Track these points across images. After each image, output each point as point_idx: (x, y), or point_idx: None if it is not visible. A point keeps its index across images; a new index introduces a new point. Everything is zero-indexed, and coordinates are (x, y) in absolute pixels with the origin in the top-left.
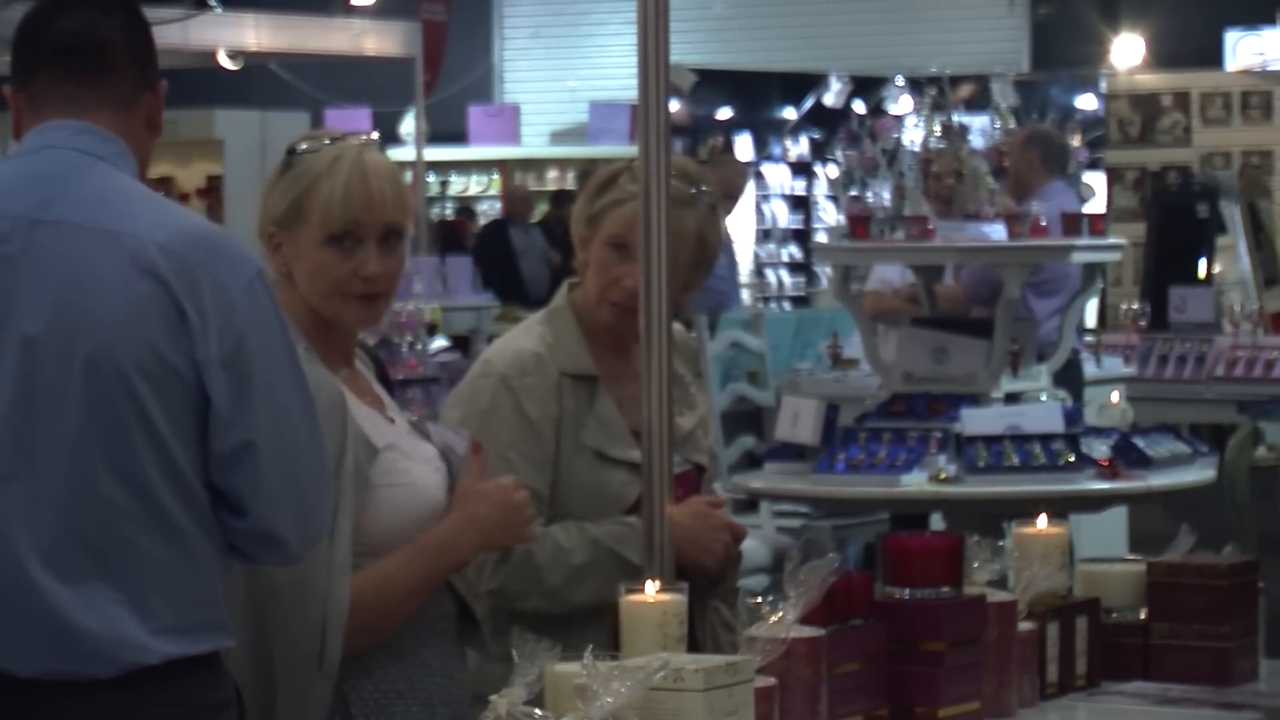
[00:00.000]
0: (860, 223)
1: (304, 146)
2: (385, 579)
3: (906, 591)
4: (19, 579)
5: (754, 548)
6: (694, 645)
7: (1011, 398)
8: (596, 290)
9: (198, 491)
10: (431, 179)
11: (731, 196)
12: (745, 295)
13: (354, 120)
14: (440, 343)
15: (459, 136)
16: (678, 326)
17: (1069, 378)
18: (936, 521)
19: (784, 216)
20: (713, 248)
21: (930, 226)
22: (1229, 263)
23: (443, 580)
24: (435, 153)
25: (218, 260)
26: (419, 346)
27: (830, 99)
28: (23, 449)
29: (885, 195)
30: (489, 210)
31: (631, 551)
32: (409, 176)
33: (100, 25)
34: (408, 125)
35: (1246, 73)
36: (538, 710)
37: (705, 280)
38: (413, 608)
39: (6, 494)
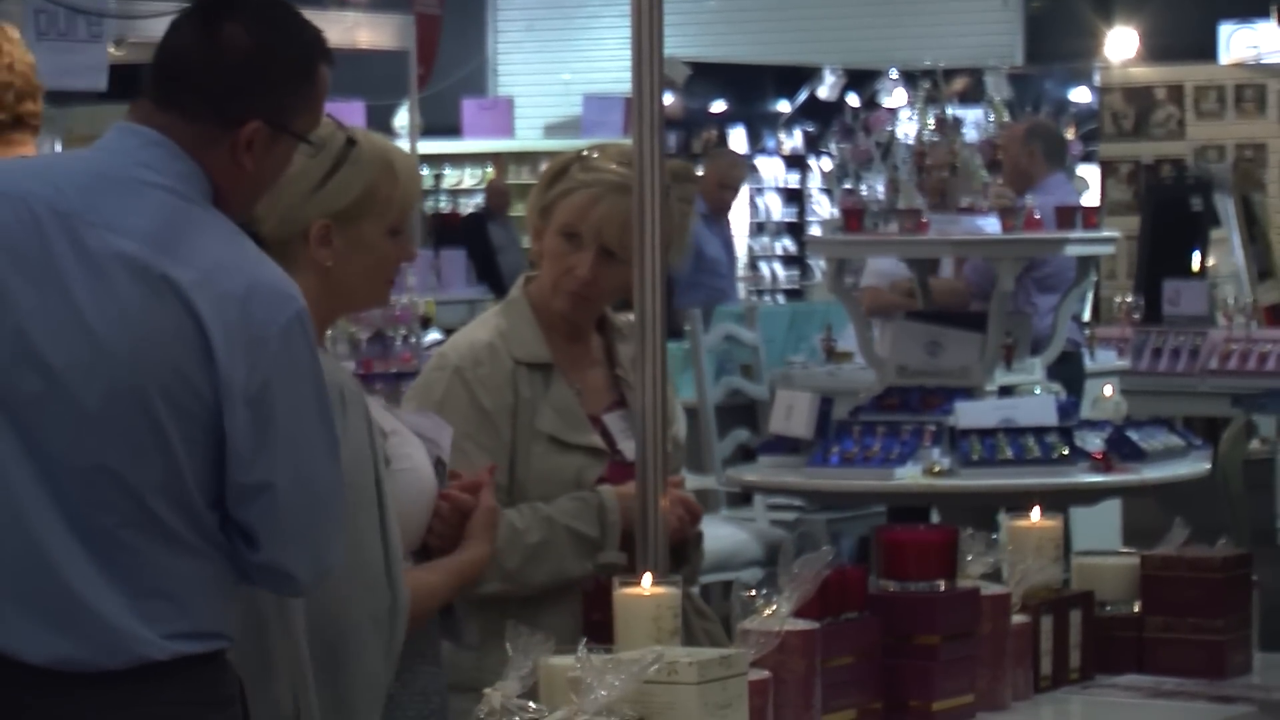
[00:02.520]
0: (854, 216)
1: (353, 135)
2: (428, 593)
3: (900, 585)
4: (38, 562)
5: (747, 541)
6: None
7: (1005, 391)
8: (551, 280)
9: (203, 512)
10: (425, 172)
11: (730, 188)
12: (740, 289)
13: (348, 113)
14: (434, 336)
15: (453, 130)
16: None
17: (1069, 372)
18: (936, 515)
19: (778, 210)
20: (672, 241)
21: (924, 220)
22: (1223, 256)
23: None
24: (429, 146)
25: (256, 297)
26: (413, 340)
27: (824, 92)
28: (41, 445)
29: (879, 188)
30: (481, 203)
31: (586, 526)
32: None
33: (188, 39)
34: (401, 118)
35: (1240, 66)
36: (531, 703)
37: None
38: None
39: (27, 484)
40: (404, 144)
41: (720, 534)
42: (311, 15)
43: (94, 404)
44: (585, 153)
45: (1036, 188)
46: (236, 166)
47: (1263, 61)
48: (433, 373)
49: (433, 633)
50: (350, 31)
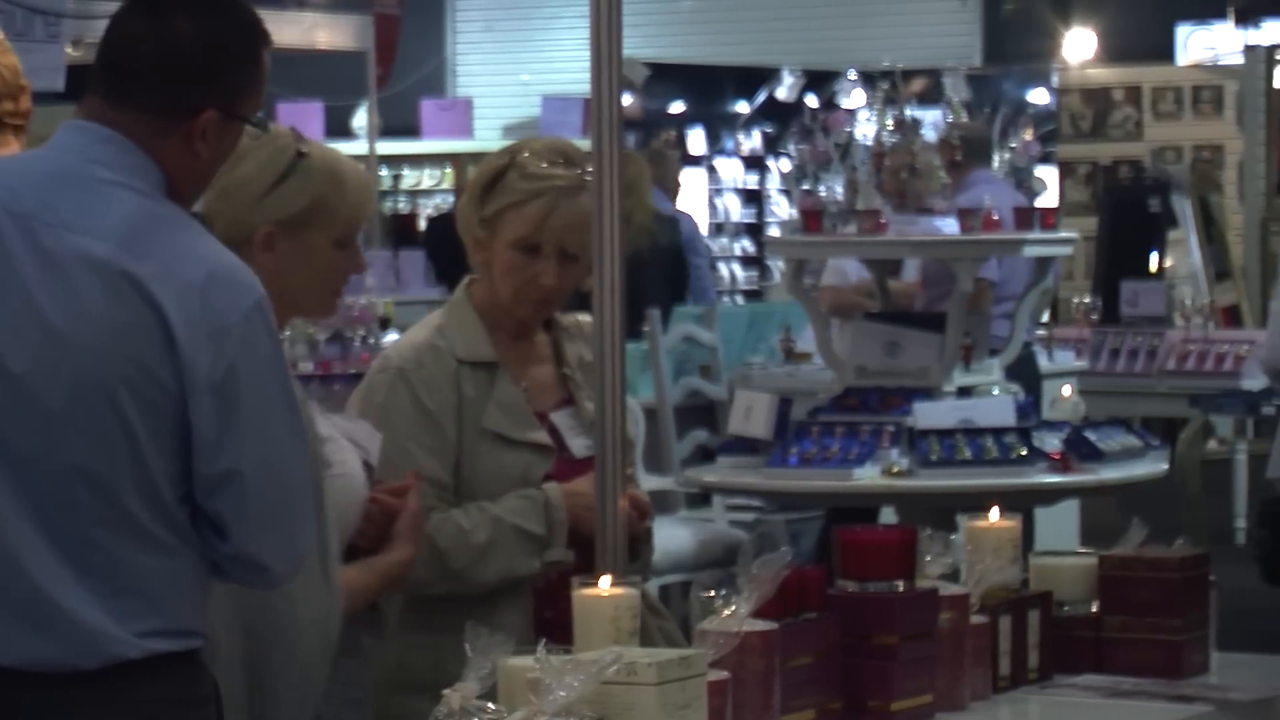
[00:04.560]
0: (813, 216)
1: (305, 148)
2: (358, 593)
3: (859, 585)
4: (9, 564)
5: (706, 541)
6: None
7: (964, 391)
8: (512, 292)
9: (173, 507)
10: (384, 173)
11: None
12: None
13: (307, 114)
14: (393, 337)
15: (412, 130)
16: (585, 315)
17: (1024, 371)
18: (885, 517)
19: (736, 210)
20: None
21: (883, 220)
22: (1180, 257)
23: None
24: (388, 146)
25: (216, 286)
26: (371, 340)
27: (783, 93)
28: (9, 448)
29: (838, 189)
30: (441, 204)
31: (533, 524)
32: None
33: (137, 33)
34: (360, 119)
35: (1198, 67)
36: (490, 704)
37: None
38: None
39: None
40: (362, 144)
41: (679, 535)
42: (270, 15)
43: (59, 403)
44: (516, 157)
45: (959, 185)
46: (191, 156)
47: (1220, 63)
48: (376, 375)
49: (354, 628)
50: (309, 32)
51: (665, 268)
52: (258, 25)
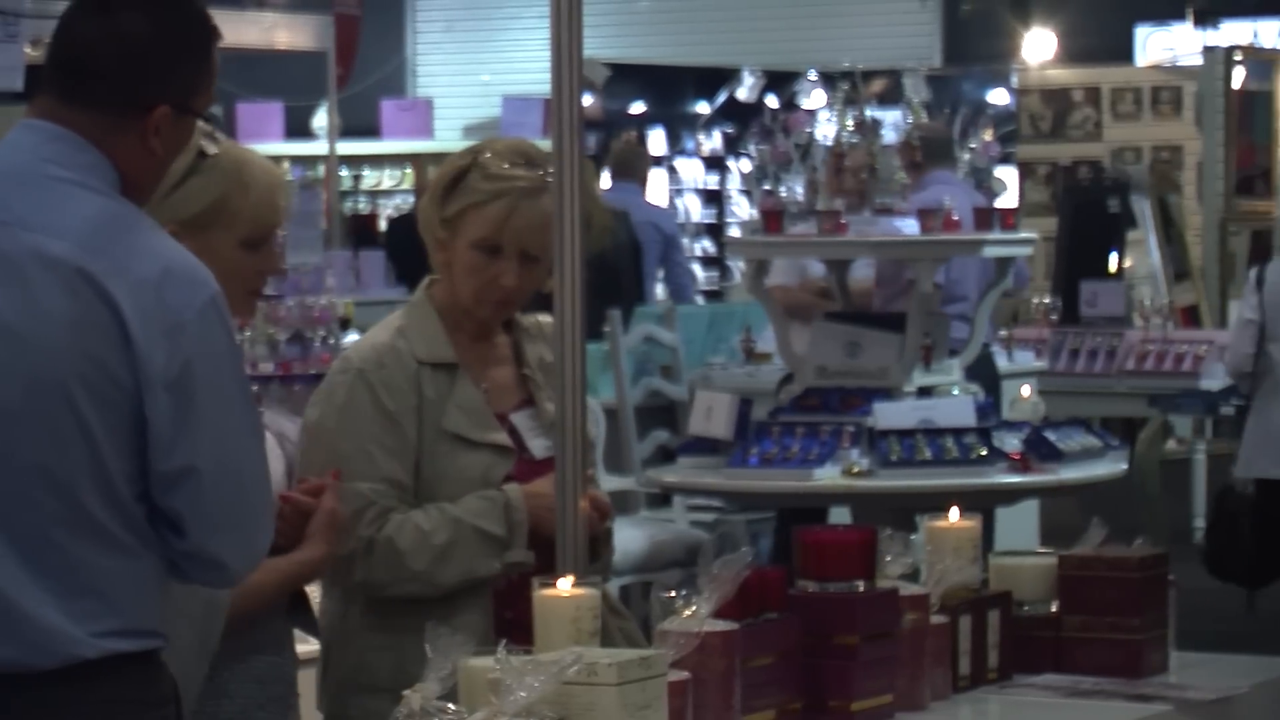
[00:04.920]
0: (773, 217)
1: (212, 148)
2: (253, 592)
3: (820, 585)
4: None
5: (666, 542)
6: None
7: (924, 391)
8: (473, 292)
9: (131, 505)
10: (344, 173)
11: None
12: (659, 289)
13: (266, 114)
14: (353, 337)
15: (372, 130)
16: (545, 316)
17: (983, 372)
18: (834, 517)
19: (697, 211)
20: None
21: (843, 221)
22: (1139, 257)
23: None
24: (348, 147)
25: (170, 282)
26: (332, 341)
27: (743, 93)
28: None
29: (798, 189)
30: (401, 204)
31: (493, 525)
32: (321, 170)
33: (89, 31)
34: (320, 119)
35: (1157, 68)
36: (451, 705)
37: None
38: (265, 613)
39: None
40: (322, 145)
41: (640, 535)
42: (229, 15)
43: (15, 402)
44: (478, 158)
45: (919, 186)
46: (145, 153)
47: (1179, 64)
48: (335, 376)
49: (275, 623)
50: (269, 32)
51: (626, 267)
52: (207, 20)
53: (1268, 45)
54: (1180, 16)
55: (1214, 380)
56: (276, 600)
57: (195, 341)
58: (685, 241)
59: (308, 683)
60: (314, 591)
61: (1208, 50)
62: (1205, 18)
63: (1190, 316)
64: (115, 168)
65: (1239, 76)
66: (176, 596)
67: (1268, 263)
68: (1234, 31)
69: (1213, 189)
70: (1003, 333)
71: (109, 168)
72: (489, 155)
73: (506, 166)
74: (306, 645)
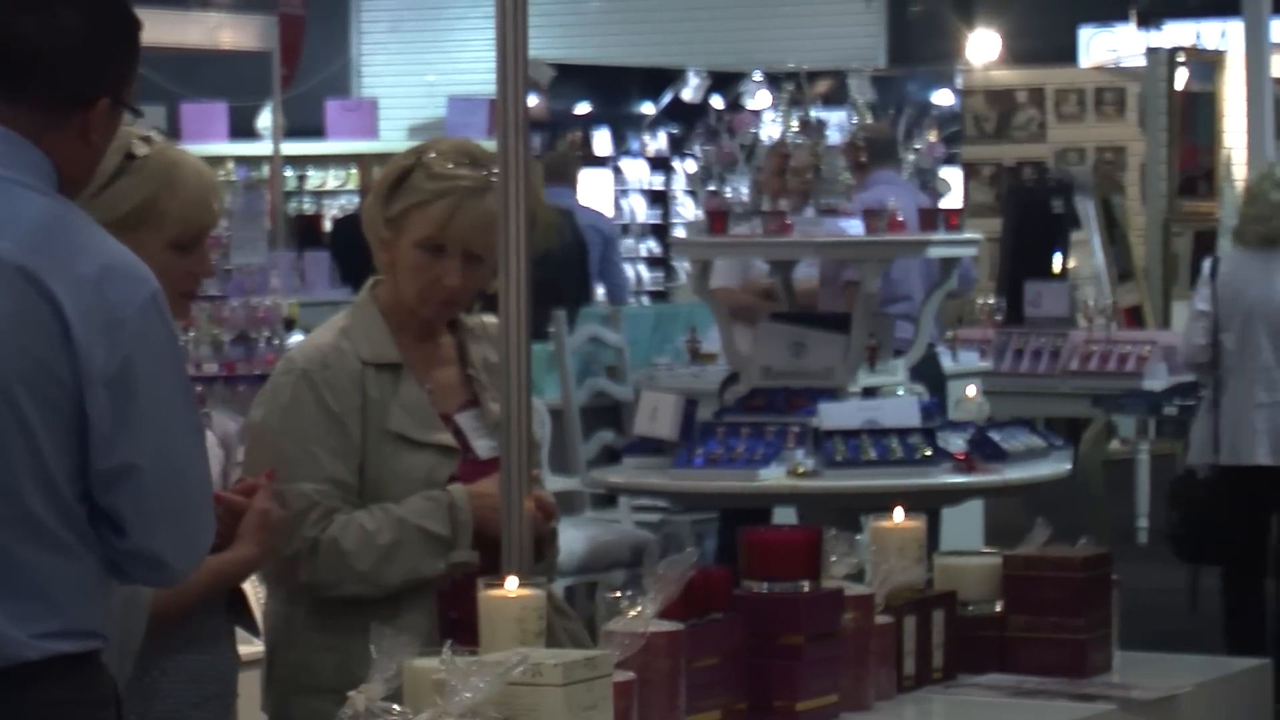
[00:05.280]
0: (718, 217)
1: (142, 149)
2: (178, 591)
3: (765, 585)
4: None
5: (612, 542)
6: None
7: (869, 392)
8: (416, 292)
9: (72, 504)
10: (289, 173)
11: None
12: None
13: (211, 115)
14: (298, 338)
15: (316, 131)
16: (490, 317)
17: (928, 372)
18: (779, 518)
19: (642, 211)
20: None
21: (788, 221)
22: (1083, 257)
23: None
24: (292, 147)
25: (110, 279)
26: (276, 342)
27: (688, 94)
28: None
29: (743, 190)
30: (346, 205)
31: (437, 525)
32: (265, 170)
33: (29, 29)
34: (265, 119)
35: (1100, 69)
36: (396, 706)
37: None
38: (194, 611)
39: None
40: (267, 145)
41: (585, 535)
42: (174, 16)
43: None
44: (422, 158)
45: (863, 186)
46: (84, 146)
47: (1122, 65)
48: (279, 377)
49: (210, 622)
50: (213, 32)
51: (571, 267)
52: (133, 12)
53: (1210, 46)
54: (1124, 18)
55: (1157, 380)
56: (205, 599)
57: (135, 338)
58: (630, 242)
59: (252, 683)
60: (258, 591)
61: (1151, 51)
62: (1148, 19)
63: (1134, 317)
64: (53, 164)
65: (1182, 78)
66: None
67: (1220, 256)
68: (1177, 33)
69: (1156, 190)
70: (949, 333)
71: (48, 165)
72: (433, 155)
73: (451, 166)
74: (251, 646)
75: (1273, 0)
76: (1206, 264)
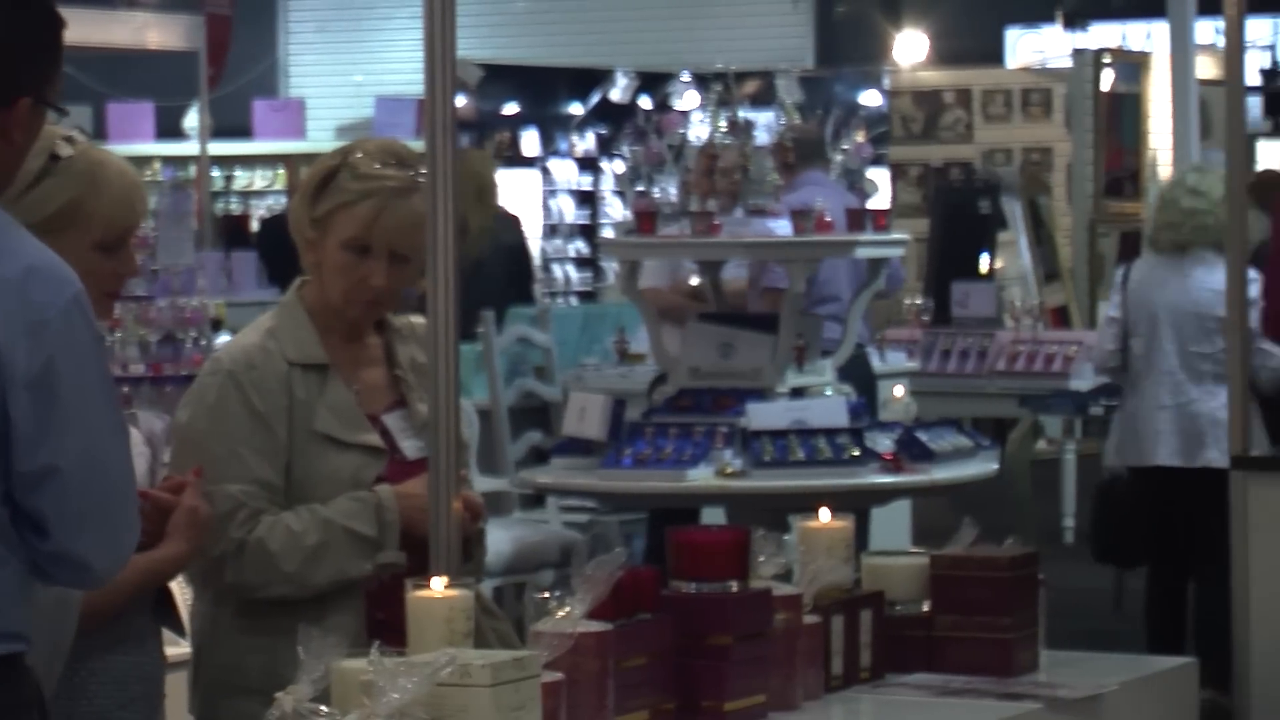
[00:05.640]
0: (646, 218)
1: (66, 150)
2: (108, 590)
3: (693, 586)
4: None
5: (540, 543)
6: None
7: (797, 392)
8: (342, 293)
9: None
10: (216, 173)
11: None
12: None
13: (137, 115)
14: (225, 338)
15: (244, 131)
16: (417, 317)
17: (858, 373)
18: (708, 518)
19: (570, 212)
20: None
21: (716, 222)
22: (1010, 258)
23: None
24: (219, 147)
25: (33, 281)
26: (204, 342)
27: (617, 94)
28: None
29: (672, 190)
30: (273, 205)
31: (364, 526)
32: (192, 171)
33: None
34: (191, 119)
35: (1027, 70)
36: (323, 707)
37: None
38: (124, 610)
39: None
40: (194, 145)
41: (513, 536)
42: (100, 15)
43: None
44: (348, 158)
45: (791, 187)
46: (8, 146)
47: (1048, 66)
48: (206, 377)
49: (138, 622)
50: (139, 32)
51: (507, 267)
52: (56, 10)
53: (1136, 48)
54: (1050, 19)
55: (1083, 380)
56: (135, 598)
57: (58, 339)
58: (558, 243)
59: (179, 685)
60: (185, 592)
61: (1077, 53)
62: (1074, 20)
63: (1060, 317)
64: None
65: (1107, 79)
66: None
67: (1134, 262)
68: (1102, 34)
69: (1082, 190)
70: (879, 334)
71: None
72: (359, 155)
73: (377, 166)
74: (178, 648)
75: (1197, 2)
76: (1119, 271)
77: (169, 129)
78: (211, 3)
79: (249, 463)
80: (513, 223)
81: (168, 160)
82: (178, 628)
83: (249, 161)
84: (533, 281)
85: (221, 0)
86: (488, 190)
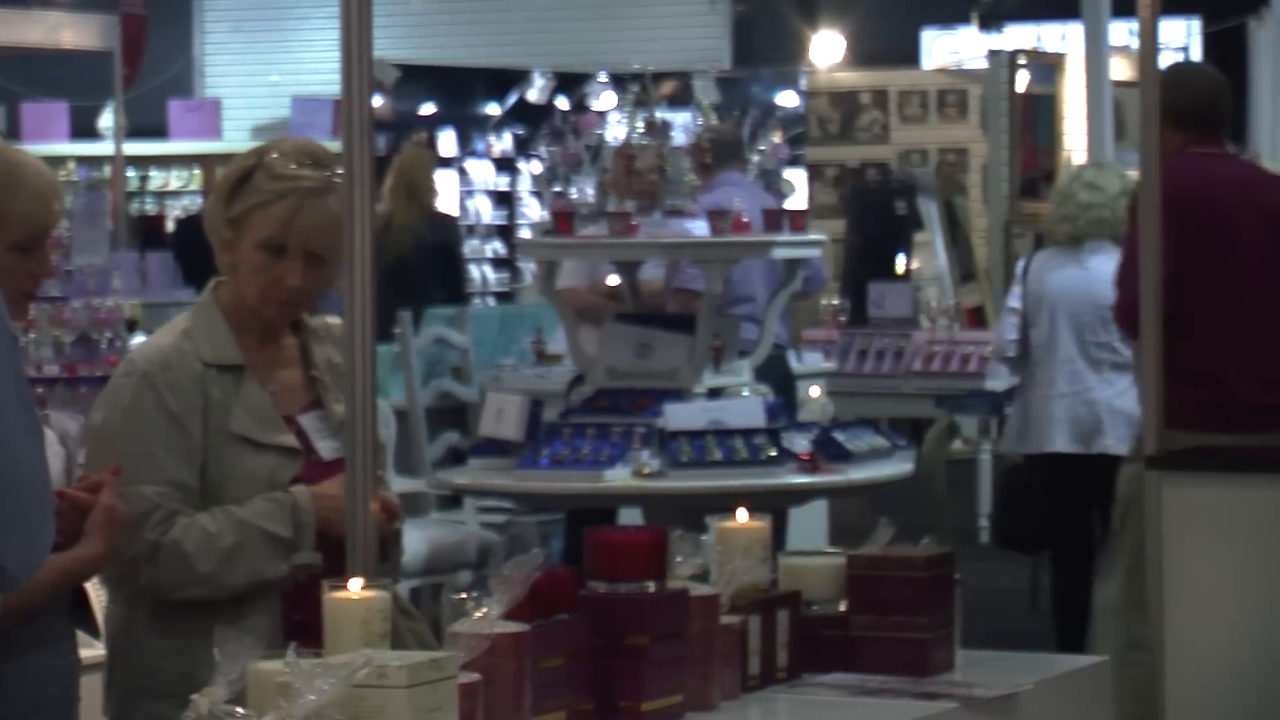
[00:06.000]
0: (564, 218)
1: None
2: (24, 590)
3: (610, 586)
4: None
5: (457, 544)
6: None
7: (714, 393)
8: (258, 293)
9: None
10: (131, 174)
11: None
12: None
13: (51, 115)
14: (140, 339)
15: (159, 131)
16: (333, 318)
17: (777, 373)
18: (625, 518)
19: (488, 212)
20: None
21: (633, 222)
22: (926, 258)
23: None
24: (135, 147)
25: None
26: (119, 343)
27: (534, 95)
28: None
29: (589, 191)
30: (189, 205)
31: (280, 527)
32: (107, 171)
33: None
34: (106, 119)
35: (943, 71)
36: (239, 709)
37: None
38: (41, 611)
39: None
40: (109, 145)
41: (430, 537)
42: (13, 14)
43: None
44: (264, 158)
45: (708, 187)
46: None
47: (964, 67)
48: (120, 378)
49: (53, 624)
50: (53, 31)
51: (432, 267)
52: None
53: (1051, 49)
54: (965, 20)
55: (999, 381)
56: (52, 598)
57: None
58: (475, 243)
59: (93, 687)
60: (100, 594)
61: (992, 54)
62: (990, 21)
63: (976, 317)
64: None
65: (1023, 80)
66: None
67: (1034, 254)
68: (1018, 35)
69: (997, 191)
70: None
71: None
72: (275, 156)
73: (293, 167)
74: (92, 650)
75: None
76: (1020, 263)
77: (84, 129)
78: (126, 2)
79: (164, 464)
80: (444, 222)
81: (82, 160)
82: (93, 630)
83: (164, 162)
84: (463, 282)
85: (136, 0)
86: (418, 189)
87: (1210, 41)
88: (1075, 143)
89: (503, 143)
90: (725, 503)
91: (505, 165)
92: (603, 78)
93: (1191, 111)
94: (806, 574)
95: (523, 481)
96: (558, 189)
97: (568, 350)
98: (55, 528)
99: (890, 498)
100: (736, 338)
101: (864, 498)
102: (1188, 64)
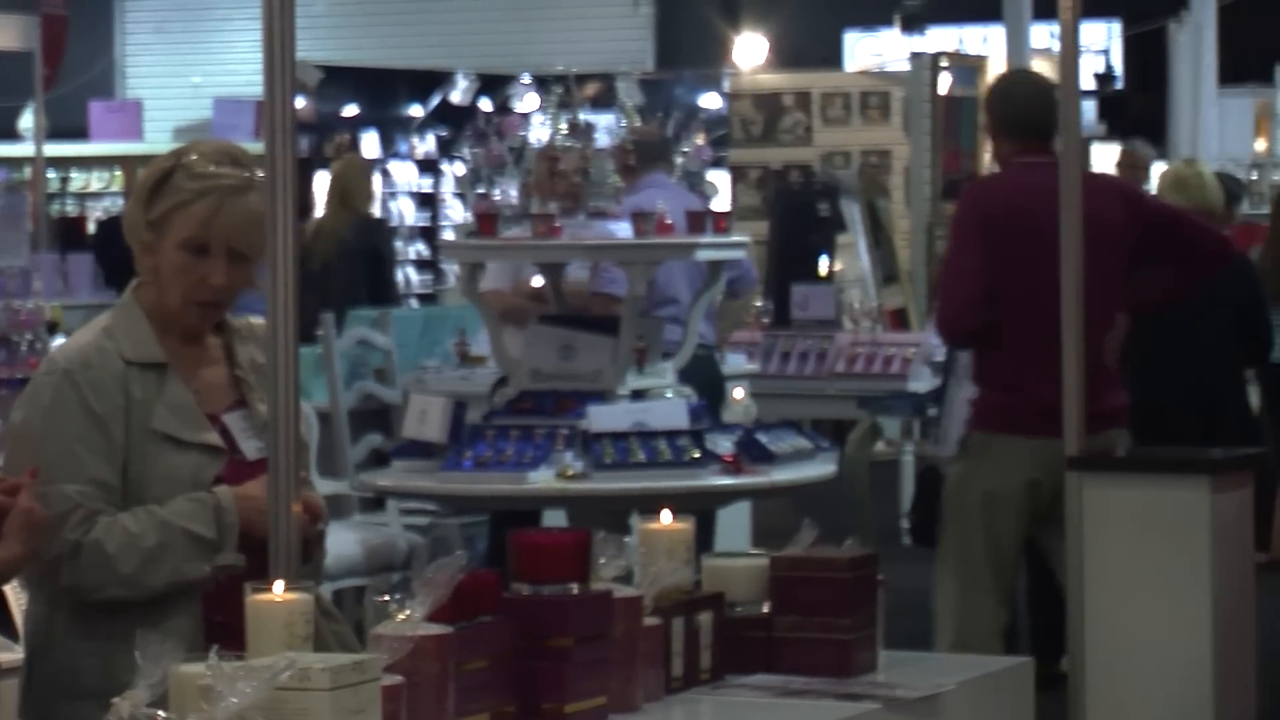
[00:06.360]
0: (487, 220)
1: None
2: None
3: (534, 588)
4: None
5: (380, 546)
6: None
7: (638, 394)
8: (181, 294)
9: None
10: (52, 175)
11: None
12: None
13: None
14: (61, 341)
15: (80, 132)
16: (257, 318)
17: (706, 374)
18: (549, 520)
19: (411, 214)
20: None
21: (557, 224)
22: (849, 260)
23: None
24: (56, 149)
25: None
26: (39, 345)
27: (457, 96)
28: None
29: (512, 192)
30: (110, 207)
31: (202, 527)
32: (27, 172)
33: None
34: (27, 120)
35: (865, 73)
36: (161, 712)
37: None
38: None
39: None
40: (29, 147)
41: (353, 539)
42: None
43: None
44: (183, 159)
45: (632, 189)
46: None
47: (887, 69)
48: (41, 377)
49: None
50: None
51: (358, 271)
52: None
53: (973, 51)
54: (888, 23)
55: (922, 382)
56: None
57: None
58: (399, 245)
59: (10, 691)
60: (19, 597)
61: (915, 56)
62: (912, 24)
63: (899, 319)
64: None
65: (945, 82)
66: None
67: None
68: (940, 38)
69: (920, 193)
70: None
71: None
72: (194, 156)
73: (213, 167)
74: (9, 654)
75: (1033, 6)
76: None
77: (3, 130)
78: (47, 3)
79: (85, 463)
80: (374, 226)
81: (2, 161)
82: (11, 633)
83: (85, 163)
84: (392, 286)
85: (57, 0)
86: (350, 195)
87: (1131, 44)
88: None
89: (426, 144)
90: (649, 504)
91: (428, 167)
92: (526, 79)
93: (1015, 121)
94: (730, 575)
95: (446, 484)
96: (481, 191)
97: (491, 352)
98: None
99: (813, 499)
100: (660, 339)
101: (787, 499)
102: (1016, 72)
